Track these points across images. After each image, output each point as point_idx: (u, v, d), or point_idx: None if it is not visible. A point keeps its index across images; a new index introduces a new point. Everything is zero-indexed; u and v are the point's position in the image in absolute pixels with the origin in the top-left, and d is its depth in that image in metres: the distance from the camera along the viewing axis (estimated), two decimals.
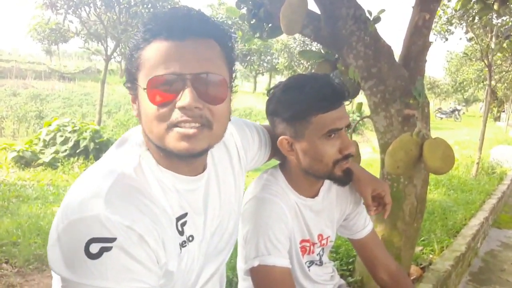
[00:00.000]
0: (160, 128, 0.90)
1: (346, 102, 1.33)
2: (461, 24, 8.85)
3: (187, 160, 0.98)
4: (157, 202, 0.94)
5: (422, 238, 3.83)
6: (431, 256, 3.58)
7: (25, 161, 8.30)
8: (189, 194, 1.03)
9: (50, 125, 9.48)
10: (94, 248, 0.81)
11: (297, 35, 27.84)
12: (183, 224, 1.01)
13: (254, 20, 2.76)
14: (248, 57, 22.64)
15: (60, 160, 8.55)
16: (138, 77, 0.92)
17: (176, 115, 0.89)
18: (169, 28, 0.90)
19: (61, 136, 9.01)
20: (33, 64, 34.88)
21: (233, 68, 1.02)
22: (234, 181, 1.22)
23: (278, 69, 31.82)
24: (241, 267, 1.38)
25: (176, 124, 0.89)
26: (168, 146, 0.91)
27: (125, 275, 0.83)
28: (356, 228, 1.62)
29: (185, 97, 0.88)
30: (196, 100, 0.89)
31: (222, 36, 0.96)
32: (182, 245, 1.00)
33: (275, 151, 1.46)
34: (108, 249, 0.82)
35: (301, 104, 1.28)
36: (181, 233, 1.00)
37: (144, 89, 0.89)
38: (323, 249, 1.56)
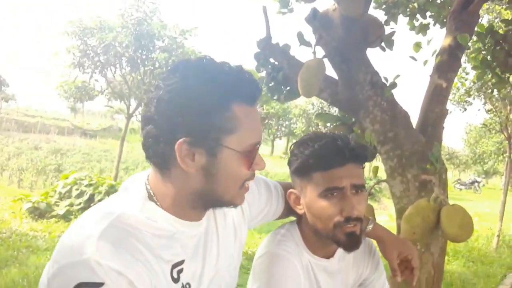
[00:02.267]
0: (238, 186, 0.99)
1: (360, 164, 1.29)
2: (479, 95, 8.93)
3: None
4: (151, 248, 0.93)
5: None
6: None
7: (39, 213, 8.32)
8: (189, 239, 1.03)
9: (67, 178, 9.58)
10: None
11: (315, 101, 28.37)
12: (180, 271, 0.99)
13: (272, 83, 2.84)
14: (266, 121, 23.00)
15: (73, 213, 8.55)
16: (223, 138, 0.93)
17: (251, 174, 1.01)
18: (250, 93, 0.96)
19: (77, 189, 9.08)
20: (58, 120, 35.92)
21: None
22: (234, 231, 1.20)
23: (295, 133, 32.20)
24: None
25: (247, 181, 1.02)
26: (235, 202, 1.03)
27: None
28: None
29: (261, 161, 1.00)
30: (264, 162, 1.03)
31: None
32: None
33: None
34: None
35: (304, 159, 1.28)
36: (176, 280, 0.98)
37: (241, 152, 0.95)
38: None
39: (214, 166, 0.95)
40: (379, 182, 2.69)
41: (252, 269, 1.32)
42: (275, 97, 2.89)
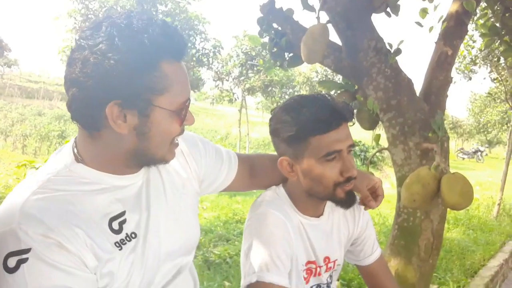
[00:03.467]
0: (168, 143, 1.00)
1: (350, 123, 1.30)
2: (485, 64, 8.82)
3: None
4: (82, 206, 0.93)
5: (438, 277, 3.72)
6: None
7: None
8: (126, 192, 1.03)
9: None
10: (11, 262, 0.82)
11: (319, 69, 28.06)
12: (122, 222, 0.99)
13: (275, 49, 2.80)
14: (270, 88, 22.80)
15: None
16: (156, 99, 0.92)
17: (181, 130, 1.02)
18: (180, 50, 0.94)
19: None
20: (61, 86, 35.69)
21: None
22: (183, 184, 1.20)
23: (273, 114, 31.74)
24: (241, 283, 1.33)
25: (177, 137, 1.03)
26: (166, 158, 1.03)
27: (45, 284, 0.83)
28: (363, 253, 1.57)
29: (190, 117, 1.01)
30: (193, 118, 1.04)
31: None
32: (122, 243, 0.98)
33: (271, 177, 1.45)
34: (24, 260, 0.82)
35: (299, 125, 1.25)
36: (118, 231, 0.98)
37: (172, 111, 0.95)
38: (331, 275, 1.51)
39: (146, 126, 0.94)
40: (380, 150, 2.69)
41: (244, 230, 1.34)
42: (278, 64, 2.85)
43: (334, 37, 2.53)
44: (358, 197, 1.52)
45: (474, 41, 8.30)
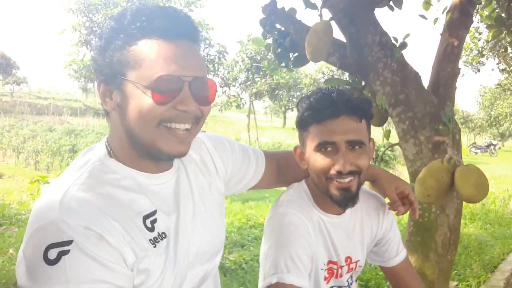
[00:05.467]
0: (152, 125, 0.93)
1: (355, 118, 1.25)
2: (493, 55, 8.73)
3: (161, 161, 1.02)
4: (119, 202, 0.93)
5: (457, 273, 3.66)
6: None
7: None
8: (156, 191, 1.03)
9: None
10: (52, 253, 0.81)
11: (325, 69, 28.02)
12: (154, 221, 0.99)
13: (279, 50, 2.78)
14: (277, 92, 22.83)
15: None
16: (129, 73, 0.92)
17: (171, 114, 0.93)
18: (164, 27, 0.92)
19: None
20: (70, 101, 36.20)
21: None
22: (209, 185, 1.20)
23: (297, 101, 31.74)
24: (260, 284, 1.30)
25: (168, 122, 0.93)
26: (158, 146, 0.95)
27: (86, 277, 0.82)
28: (388, 254, 1.53)
29: (187, 101, 0.93)
30: (194, 103, 0.94)
31: (199, 43, 1.02)
32: (155, 241, 0.98)
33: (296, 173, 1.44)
34: (65, 252, 0.81)
35: (301, 112, 1.28)
36: (151, 229, 0.98)
37: (145, 86, 0.90)
38: (351, 275, 1.48)
39: (124, 102, 0.94)
40: (391, 146, 2.65)
41: (264, 231, 1.32)
42: (283, 64, 2.83)
43: (338, 34, 2.51)
44: (383, 200, 1.49)
45: (480, 33, 8.23)
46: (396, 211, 1.42)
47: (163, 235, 1.00)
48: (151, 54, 0.91)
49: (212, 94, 0.99)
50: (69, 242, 0.81)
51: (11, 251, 4.63)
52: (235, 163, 1.30)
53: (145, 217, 0.98)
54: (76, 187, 0.90)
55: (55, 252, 0.81)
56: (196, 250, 1.09)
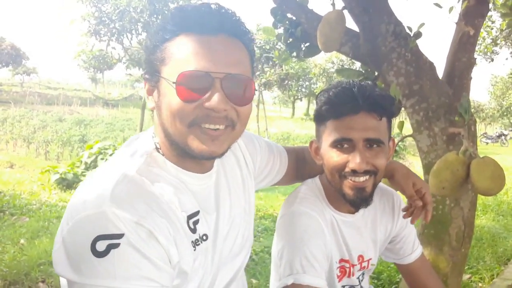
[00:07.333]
0: (183, 124, 0.89)
1: (375, 116, 1.19)
2: (507, 43, 8.59)
3: (203, 160, 0.98)
4: (165, 199, 0.91)
5: (470, 266, 3.62)
6: (480, 284, 3.38)
7: (67, 183, 8.47)
8: (199, 191, 1.01)
9: (91, 148, 9.72)
10: (101, 245, 0.77)
11: (334, 59, 27.82)
12: (196, 223, 0.97)
13: (290, 40, 2.74)
14: (286, 81, 22.73)
15: None
16: (162, 70, 0.90)
17: (201, 114, 0.88)
18: (201, 23, 0.89)
19: (102, 158, 9.19)
20: (79, 92, 36.37)
21: (254, 71, 1.01)
22: (242, 183, 1.18)
23: (316, 94, 31.68)
24: (274, 285, 1.28)
25: (200, 123, 0.88)
26: (190, 145, 0.90)
27: (134, 273, 0.79)
28: (403, 252, 1.50)
29: (214, 99, 0.87)
30: (225, 102, 0.88)
31: (249, 39, 0.96)
32: (196, 243, 0.96)
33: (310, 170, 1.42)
34: (115, 246, 0.78)
35: (320, 105, 1.24)
36: (194, 231, 0.96)
37: (174, 82, 0.87)
38: (363, 273, 1.45)
39: (159, 100, 0.92)
40: (404, 137, 2.61)
41: (276, 229, 1.29)
42: (294, 54, 2.79)
43: (350, 23, 2.46)
44: (399, 196, 1.46)
45: (493, 22, 8.10)
46: (410, 217, 1.34)
47: (204, 237, 0.98)
48: (182, 50, 0.88)
49: (249, 93, 0.92)
50: (120, 236, 0.79)
51: (22, 241, 4.66)
52: (262, 160, 1.29)
53: (189, 217, 0.96)
54: (127, 179, 0.87)
55: (104, 244, 0.77)
56: (228, 252, 1.08)
